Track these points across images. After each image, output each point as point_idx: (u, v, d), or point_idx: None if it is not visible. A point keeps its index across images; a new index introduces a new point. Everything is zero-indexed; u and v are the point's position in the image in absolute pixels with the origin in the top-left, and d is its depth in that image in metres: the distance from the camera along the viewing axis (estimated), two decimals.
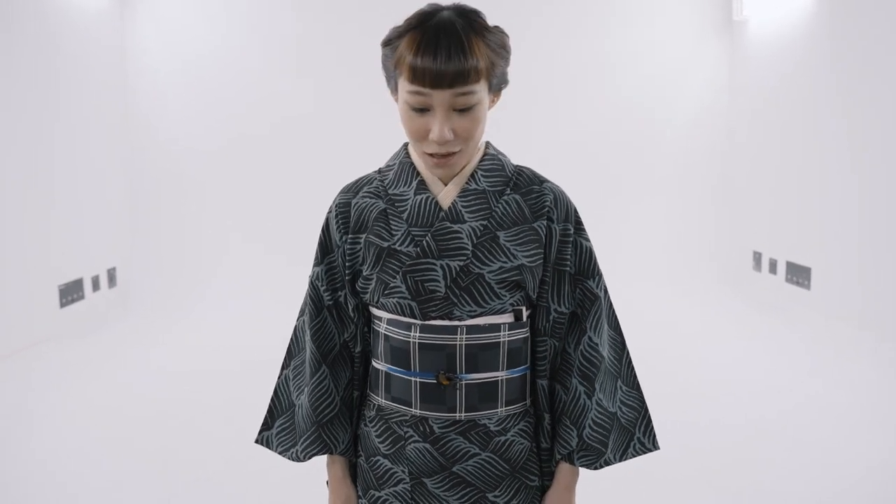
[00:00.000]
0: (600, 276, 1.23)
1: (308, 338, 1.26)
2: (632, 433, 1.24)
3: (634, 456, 1.24)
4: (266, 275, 5.15)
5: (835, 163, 4.30)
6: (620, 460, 1.23)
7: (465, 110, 1.07)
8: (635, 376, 1.27)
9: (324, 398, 1.23)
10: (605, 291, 1.25)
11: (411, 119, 1.09)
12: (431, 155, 1.11)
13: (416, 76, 1.04)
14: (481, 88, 1.08)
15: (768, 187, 5.09)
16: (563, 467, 1.23)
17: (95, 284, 4.79)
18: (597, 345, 1.21)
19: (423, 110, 1.08)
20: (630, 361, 1.27)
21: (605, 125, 5.49)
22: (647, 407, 1.26)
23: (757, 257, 5.25)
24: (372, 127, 4.50)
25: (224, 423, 3.10)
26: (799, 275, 4.67)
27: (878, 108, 3.89)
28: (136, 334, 4.46)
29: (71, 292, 4.49)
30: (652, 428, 1.26)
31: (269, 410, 1.32)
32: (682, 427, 3.04)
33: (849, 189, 4.16)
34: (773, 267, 5.02)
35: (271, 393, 1.33)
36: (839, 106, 4.24)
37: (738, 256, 5.51)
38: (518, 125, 5.37)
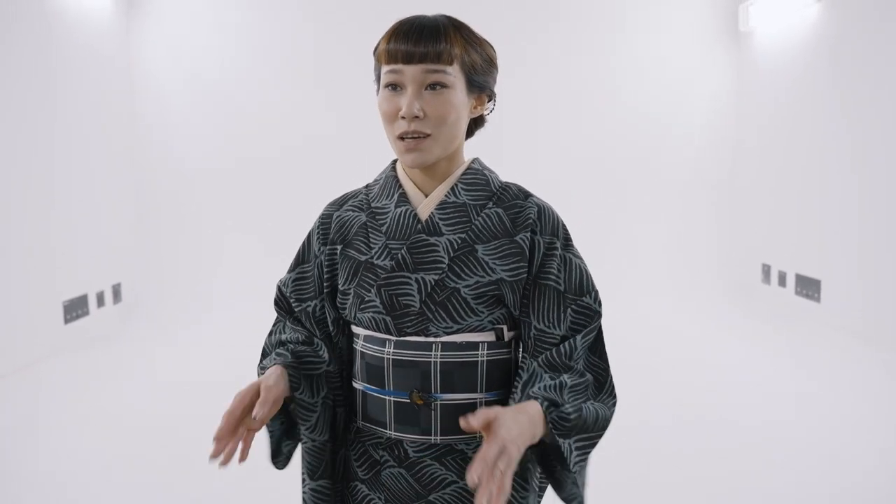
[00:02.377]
0: (597, 293, 1.15)
1: (291, 328, 1.22)
2: (568, 436, 1.04)
3: (548, 445, 1.05)
4: (273, 291, 5.13)
5: (843, 174, 4.24)
6: (547, 431, 1.02)
7: (436, 89, 1.08)
8: (613, 405, 1.13)
9: (310, 358, 1.15)
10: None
11: (386, 100, 1.10)
12: (402, 138, 1.10)
13: (391, 56, 1.08)
14: (454, 73, 1.09)
15: (776, 199, 5.03)
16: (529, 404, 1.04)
17: (100, 300, 4.79)
18: (576, 349, 1.10)
19: (396, 88, 1.09)
20: (612, 390, 1.14)
21: (612, 137, 5.45)
22: (602, 433, 1.09)
23: (766, 270, 5.18)
24: (382, 141, 4.50)
25: None
26: (809, 287, 4.60)
27: (884, 118, 3.84)
28: (141, 350, 4.45)
29: (75, 308, 4.50)
30: (586, 453, 1.07)
31: None
32: (690, 433, 3.04)
33: (858, 200, 4.10)
34: (782, 279, 4.95)
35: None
36: (847, 116, 4.19)
37: (746, 269, 5.44)
38: (525, 137, 5.36)
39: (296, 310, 1.23)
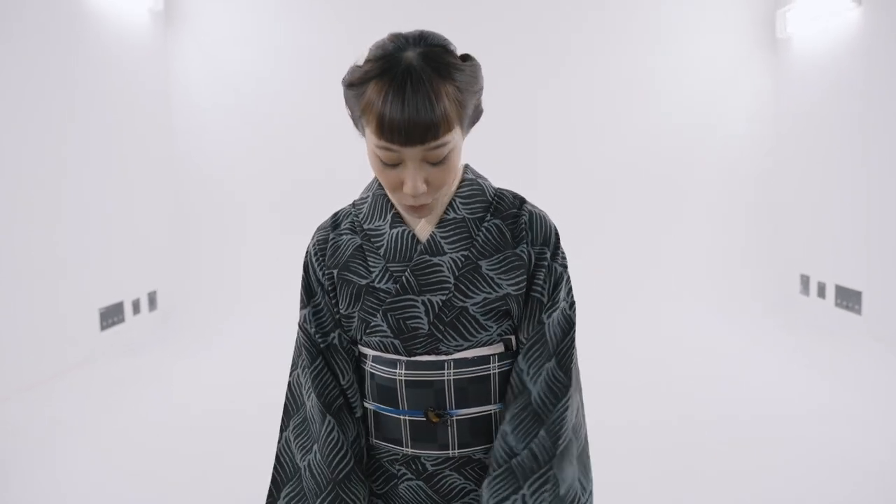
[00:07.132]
0: (570, 304, 1.13)
1: (309, 387, 1.17)
2: (518, 486, 1.05)
3: None
4: None
5: (884, 182, 4.12)
6: None
7: (438, 162, 1.01)
8: (561, 427, 1.08)
9: (335, 452, 1.13)
10: (570, 322, 1.12)
11: (384, 173, 1.03)
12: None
13: (385, 133, 0.97)
14: (453, 136, 1.01)
15: (815, 208, 4.91)
16: None
17: (136, 308, 4.88)
18: (521, 371, 1.09)
19: (394, 165, 1.01)
20: (564, 410, 1.09)
21: (648, 145, 5.39)
22: (554, 471, 1.06)
23: (805, 281, 5.05)
24: None
25: (261, 453, 3.08)
26: (849, 299, 4.48)
27: None
28: (176, 358, 4.51)
29: (111, 315, 4.58)
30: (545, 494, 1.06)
31: (273, 480, 1.22)
32: (727, 448, 2.95)
33: None
34: (821, 291, 4.82)
35: (273, 461, 1.23)
36: (887, 123, 4.07)
37: (785, 280, 5.32)
38: (560, 144, 5.32)
39: (322, 346, 1.16)
